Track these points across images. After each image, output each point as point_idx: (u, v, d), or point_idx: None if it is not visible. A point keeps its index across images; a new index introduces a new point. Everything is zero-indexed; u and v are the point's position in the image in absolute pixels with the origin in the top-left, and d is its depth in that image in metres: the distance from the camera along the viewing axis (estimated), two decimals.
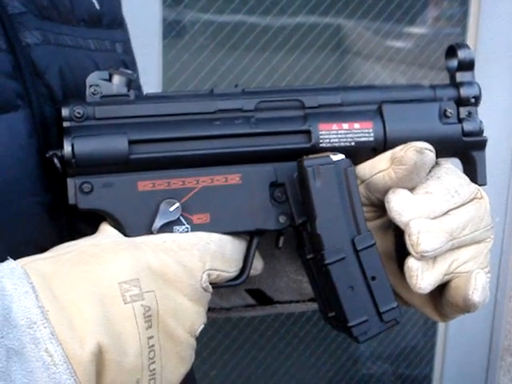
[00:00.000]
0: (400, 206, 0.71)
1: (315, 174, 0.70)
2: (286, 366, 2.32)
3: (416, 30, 2.20)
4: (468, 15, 2.15)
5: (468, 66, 0.78)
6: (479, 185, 0.77)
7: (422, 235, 0.70)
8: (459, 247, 0.73)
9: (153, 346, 0.65)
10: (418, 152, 0.71)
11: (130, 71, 0.73)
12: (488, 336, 2.40)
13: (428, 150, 0.72)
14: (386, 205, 0.72)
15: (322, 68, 2.07)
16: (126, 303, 0.63)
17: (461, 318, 0.79)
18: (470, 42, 2.13)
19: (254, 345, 2.25)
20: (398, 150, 0.72)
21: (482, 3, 2.11)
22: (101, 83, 0.71)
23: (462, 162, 0.79)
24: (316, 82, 2.06)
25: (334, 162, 0.71)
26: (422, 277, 0.71)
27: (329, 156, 0.71)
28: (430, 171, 0.74)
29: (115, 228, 0.70)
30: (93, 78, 0.71)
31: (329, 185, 0.71)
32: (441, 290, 0.75)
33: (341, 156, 0.72)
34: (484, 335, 2.40)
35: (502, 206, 2.26)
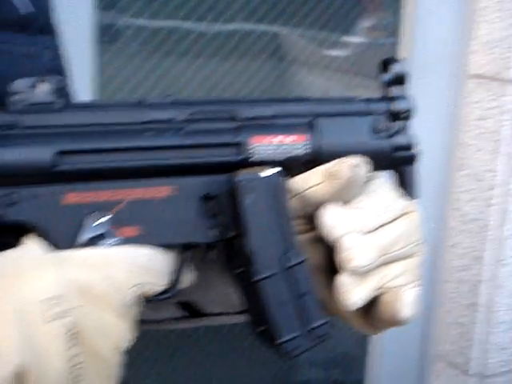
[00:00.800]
0: (331, 221, 0.71)
1: (246, 189, 0.69)
2: (220, 373, 2.31)
3: (351, 38, 2.22)
4: (402, 25, 2.17)
5: (401, 80, 0.78)
6: (411, 199, 0.77)
7: (354, 251, 0.69)
8: (390, 262, 0.73)
9: (77, 364, 0.62)
10: (352, 167, 0.71)
11: (57, 78, 0.71)
12: (419, 342, 2.43)
13: (362, 165, 0.71)
14: (318, 220, 0.72)
15: (257, 75, 2.06)
16: (48, 322, 0.61)
17: None
18: (404, 51, 2.16)
19: (188, 353, 2.23)
20: (332, 165, 0.72)
21: (416, 13, 2.14)
22: (26, 91, 0.69)
23: (395, 176, 0.79)
24: (251, 89, 2.05)
25: (266, 176, 0.70)
26: (353, 292, 0.71)
27: (260, 170, 0.70)
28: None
29: (40, 242, 0.68)
30: (17, 86, 0.69)
31: (260, 200, 0.70)
32: (371, 303, 0.75)
33: (272, 170, 0.71)
34: (416, 341, 2.42)
35: (437, 213, 2.30)
